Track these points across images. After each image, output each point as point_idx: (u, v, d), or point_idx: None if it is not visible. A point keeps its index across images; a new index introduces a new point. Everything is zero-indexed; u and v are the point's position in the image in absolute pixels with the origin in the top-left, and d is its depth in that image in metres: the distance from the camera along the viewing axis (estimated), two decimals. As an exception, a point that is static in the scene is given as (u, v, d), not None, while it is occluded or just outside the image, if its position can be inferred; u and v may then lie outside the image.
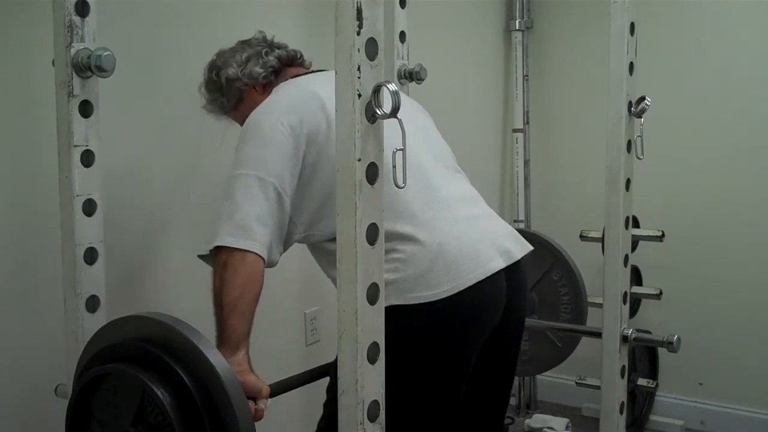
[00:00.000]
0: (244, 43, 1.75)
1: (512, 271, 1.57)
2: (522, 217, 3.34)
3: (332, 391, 1.57)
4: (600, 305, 1.98)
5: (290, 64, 1.75)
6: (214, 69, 1.73)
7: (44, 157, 1.57)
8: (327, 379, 1.63)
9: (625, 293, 1.92)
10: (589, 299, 2.41)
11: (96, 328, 1.34)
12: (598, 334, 1.96)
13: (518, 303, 1.62)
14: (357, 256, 1.05)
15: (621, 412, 1.93)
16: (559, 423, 3.01)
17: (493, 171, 3.35)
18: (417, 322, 1.46)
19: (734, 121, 2.96)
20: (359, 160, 1.03)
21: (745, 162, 2.96)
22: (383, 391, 1.11)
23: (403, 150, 1.10)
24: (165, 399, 1.13)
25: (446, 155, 1.71)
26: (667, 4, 3.01)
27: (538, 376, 3.35)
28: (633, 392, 2.81)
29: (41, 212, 1.63)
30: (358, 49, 1.01)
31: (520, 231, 1.78)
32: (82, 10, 1.40)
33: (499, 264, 1.53)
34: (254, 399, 1.35)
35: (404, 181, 1.12)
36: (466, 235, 1.52)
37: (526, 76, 3.33)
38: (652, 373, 3.12)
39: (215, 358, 1.16)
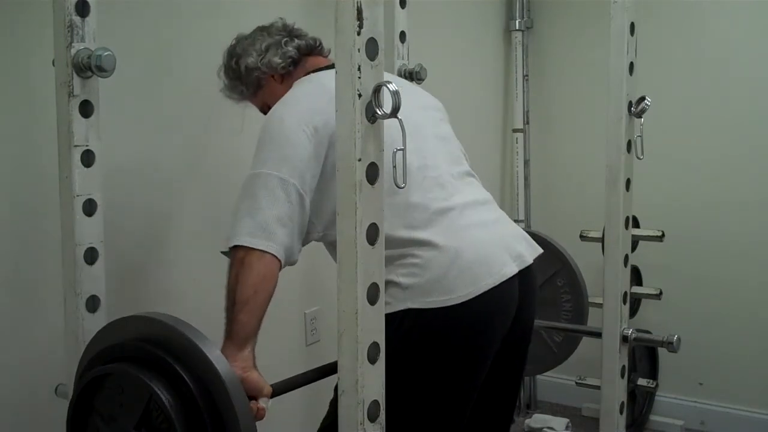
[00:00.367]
0: (264, 30, 1.74)
1: (524, 275, 1.59)
2: (522, 217, 3.34)
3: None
4: (600, 305, 1.98)
5: (309, 53, 1.74)
6: (234, 56, 1.73)
7: (44, 157, 1.57)
8: (330, 378, 1.63)
9: (625, 293, 1.92)
10: (590, 299, 2.41)
11: (96, 329, 1.35)
12: (598, 334, 1.96)
13: (528, 305, 1.64)
14: (357, 256, 1.05)
15: (621, 412, 1.93)
16: (559, 423, 3.02)
17: (493, 171, 3.34)
18: (435, 325, 1.47)
19: (734, 121, 2.96)
20: (359, 160, 1.04)
21: (745, 162, 2.95)
22: (383, 391, 1.11)
23: (403, 150, 1.10)
24: (170, 404, 1.14)
25: (461, 158, 1.71)
26: (667, 4, 3.01)
27: (538, 376, 3.35)
28: (633, 392, 2.81)
29: (41, 212, 1.63)
30: (359, 49, 1.02)
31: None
32: (82, 10, 1.40)
33: (512, 269, 1.55)
34: (255, 398, 1.36)
35: (404, 181, 1.12)
36: (481, 241, 1.53)
37: (526, 76, 3.33)
38: (652, 373, 3.12)
39: (216, 358, 1.16)
